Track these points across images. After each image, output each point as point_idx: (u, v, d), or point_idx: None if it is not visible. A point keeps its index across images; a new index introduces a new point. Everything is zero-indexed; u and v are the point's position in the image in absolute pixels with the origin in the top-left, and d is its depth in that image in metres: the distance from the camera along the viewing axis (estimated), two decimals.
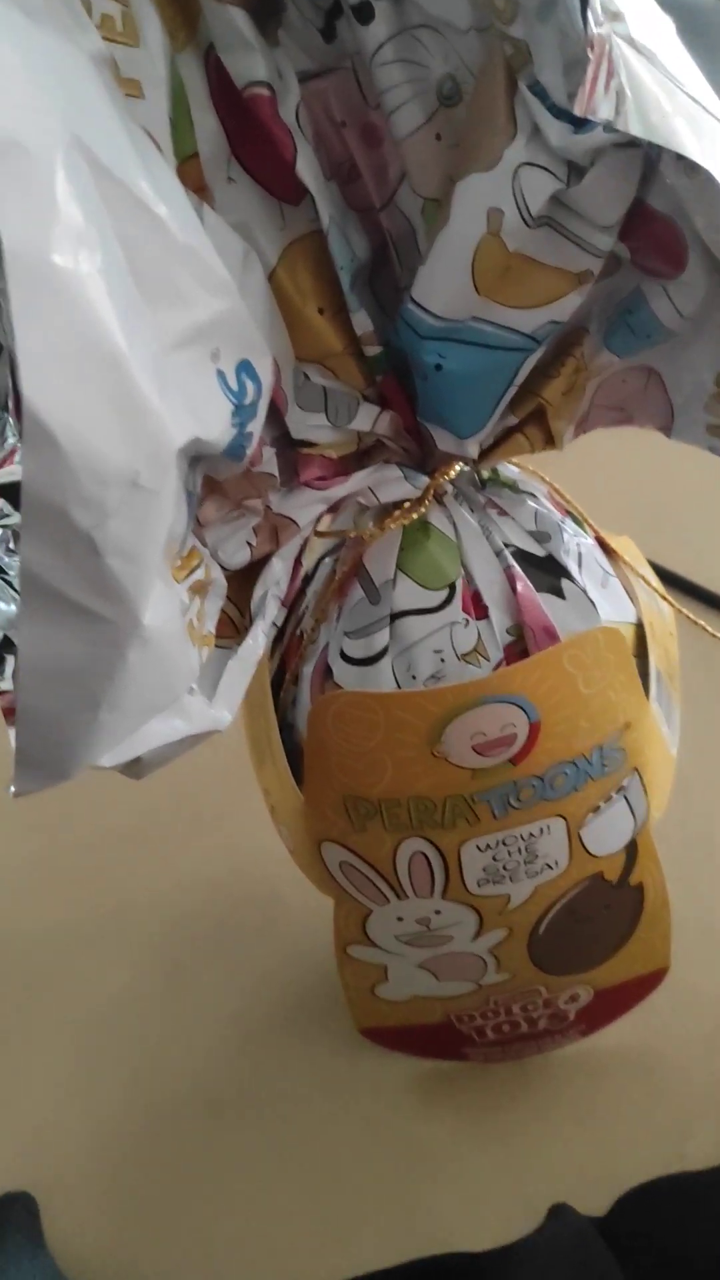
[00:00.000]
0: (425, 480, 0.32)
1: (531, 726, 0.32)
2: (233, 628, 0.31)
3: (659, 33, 0.24)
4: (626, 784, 0.35)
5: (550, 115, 0.24)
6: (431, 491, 0.32)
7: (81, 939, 0.51)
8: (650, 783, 0.35)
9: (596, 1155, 0.42)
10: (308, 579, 0.36)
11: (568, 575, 0.33)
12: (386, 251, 0.29)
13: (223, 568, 0.29)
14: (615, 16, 0.23)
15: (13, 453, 0.27)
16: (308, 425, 0.30)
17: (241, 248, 0.26)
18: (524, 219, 0.25)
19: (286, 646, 0.37)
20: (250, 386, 0.26)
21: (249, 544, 0.30)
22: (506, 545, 0.33)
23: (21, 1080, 0.48)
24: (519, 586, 0.32)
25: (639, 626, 0.35)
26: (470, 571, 0.33)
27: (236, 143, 0.26)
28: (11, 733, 0.23)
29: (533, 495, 0.35)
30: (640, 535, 0.39)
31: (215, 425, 0.24)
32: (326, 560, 0.36)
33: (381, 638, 0.32)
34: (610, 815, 0.35)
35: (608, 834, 0.35)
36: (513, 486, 0.35)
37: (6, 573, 0.27)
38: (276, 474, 0.30)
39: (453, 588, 0.32)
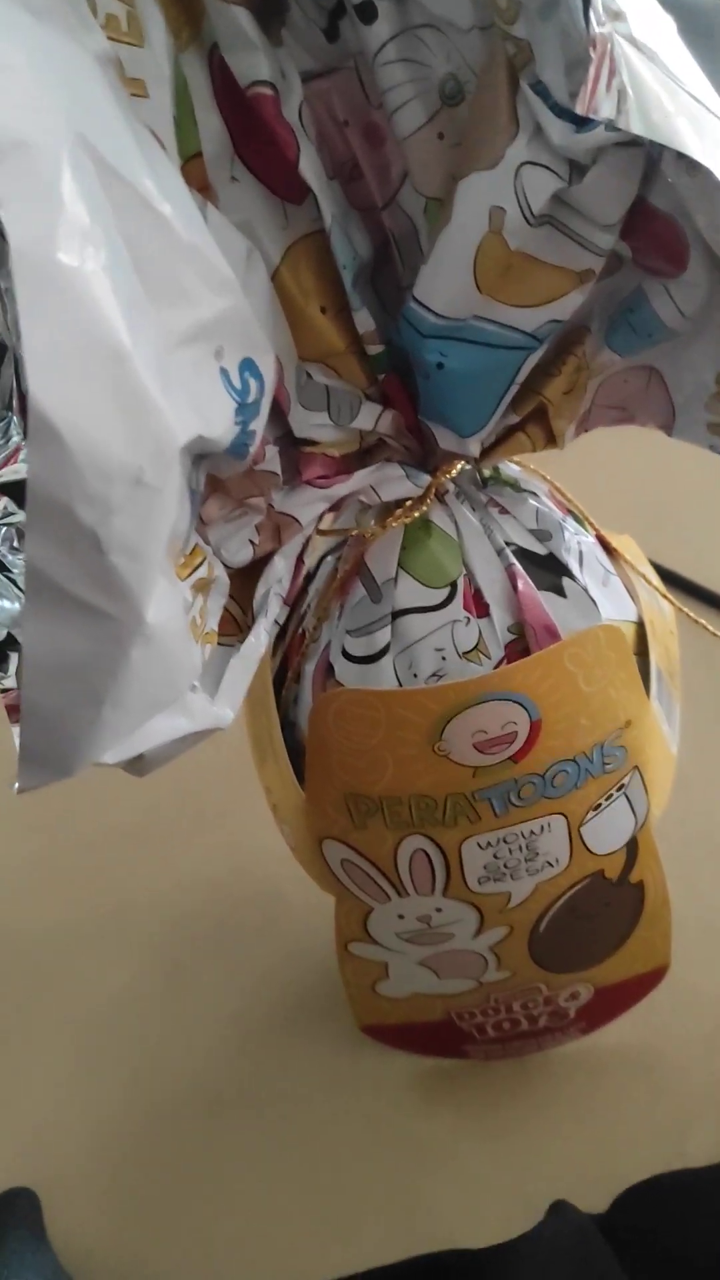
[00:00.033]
0: (427, 479, 0.32)
1: (532, 724, 0.32)
2: (235, 625, 0.31)
3: (660, 32, 0.24)
4: (627, 782, 0.35)
5: (552, 114, 0.24)
6: (433, 490, 0.32)
7: (83, 937, 0.51)
8: (651, 781, 0.35)
9: (597, 1153, 0.43)
10: (310, 577, 0.36)
11: (569, 574, 0.33)
12: (389, 250, 0.29)
13: (225, 566, 0.30)
14: (617, 16, 0.23)
15: (17, 451, 0.27)
16: (310, 424, 0.30)
17: (245, 246, 0.26)
18: (526, 218, 0.26)
19: (289, 644, 0.37)
20: (253, 385, 0.26)
21: (251, 542, 0.30)
22: (508, 543, 0.33)
23: (23, 1077, 0.48)
24: (520, 585, 0.32)
25: (640, 625, 0.35)
26: (471, 570, 0.33)
27: (240, 142, 0.26)
28: (15, 729, 0.23)
29: (534, 494, 0.35)
30: (641, 534, 0.39)
31: (219, 423, 0.24)
32: (328, 558, 0.36)
33: (383, 636, 0.32)
34: (611, 813, 0.35)
35: (608, 832, 0.35)
36: (514, 485, 0.35)
37: (10, 570, 0.27)
38: (279, 472, 0.30)
39: (454, 586, 0.32)
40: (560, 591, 0.33)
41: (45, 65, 0.20)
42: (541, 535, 0.34)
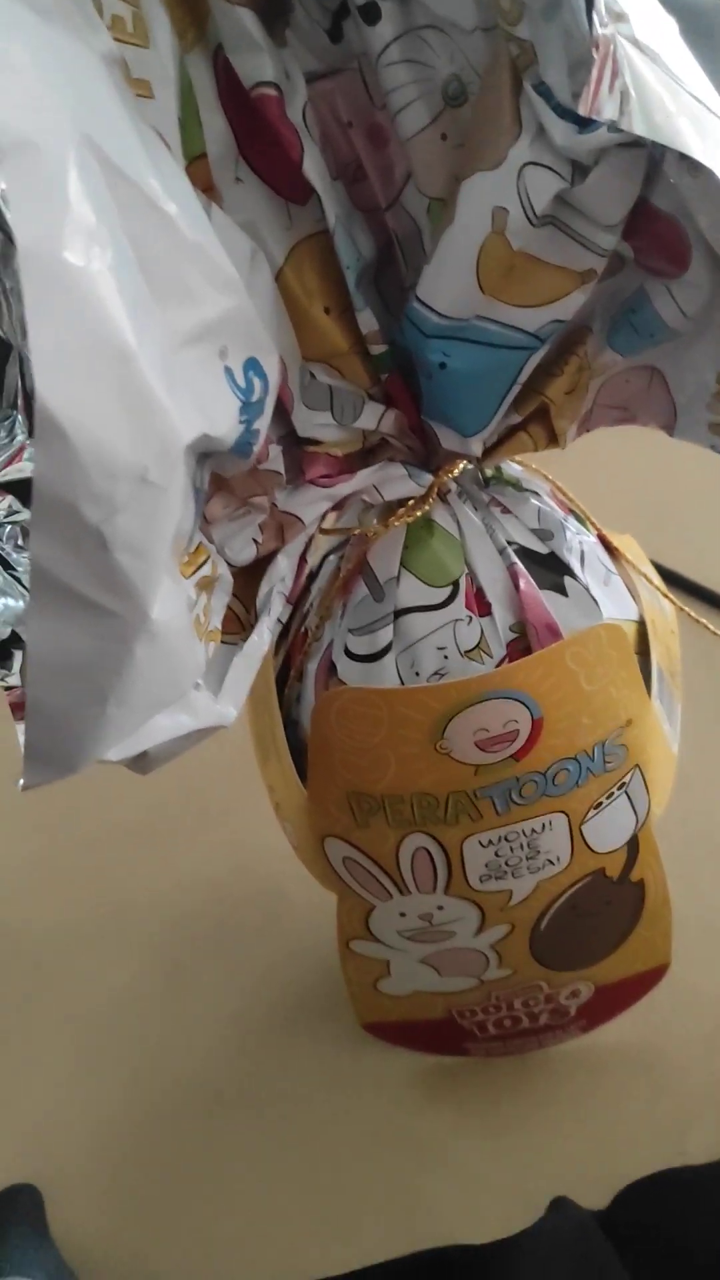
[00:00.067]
0: (429, 478, 0.32)
1: (534, 723, 0.32)
2: (238, 624, 0.31)
3: (662, 33, 0.24)
4: (628, 780, 0.35)
5: (555, 115, 0.24)
6: (435, 489, 0.32)
7: (85, 935, 0.51)
8: (651, 779, 0.36)
9: (597, 1151, 0.43)
10: (312, 576, 0.36)
11: (570, 573, 0.33)
12: (392, 251, 0.29)
13: (229, 564, 0.30)
14: (619, 17, 0.23)
15: (21, 449, 0.27)
16: (313, 423, 0.30)
17: (249, 247, 0.26)
18: (528, 218, 0.26)
19: (291, 643, 0.37)
20: (257, 384, 0.26)
21: (255, 541, 0.30)
22: (510, 543, 0.33)
23: (26, 1074, 0.48)
24: (522, 584, 0.32)
25: (641, 624, 0.35)
26: (473, 569, 0.33)
27: (244, 143, 0.26)
28: (20, 727, 0.23)
29: (536, 493, 0.35)
30: (642, 534, 0.39)
31: (223, 422, 0.25)
32: (331, 557, 0.36)
33: (385, 634, 0.33)
34: (612, 811, 0.35)
35: (609, 830, 0.36)
36: (516, 485, 0.35)
37: (15, 569, 0.27)
38: (282, 471, 0.30)
39: (456, 585, 0.33)
40: (562, 590, 0.33)
41: (51, 65, 0.20)
42: (543, 534, 0.34)
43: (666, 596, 0.38)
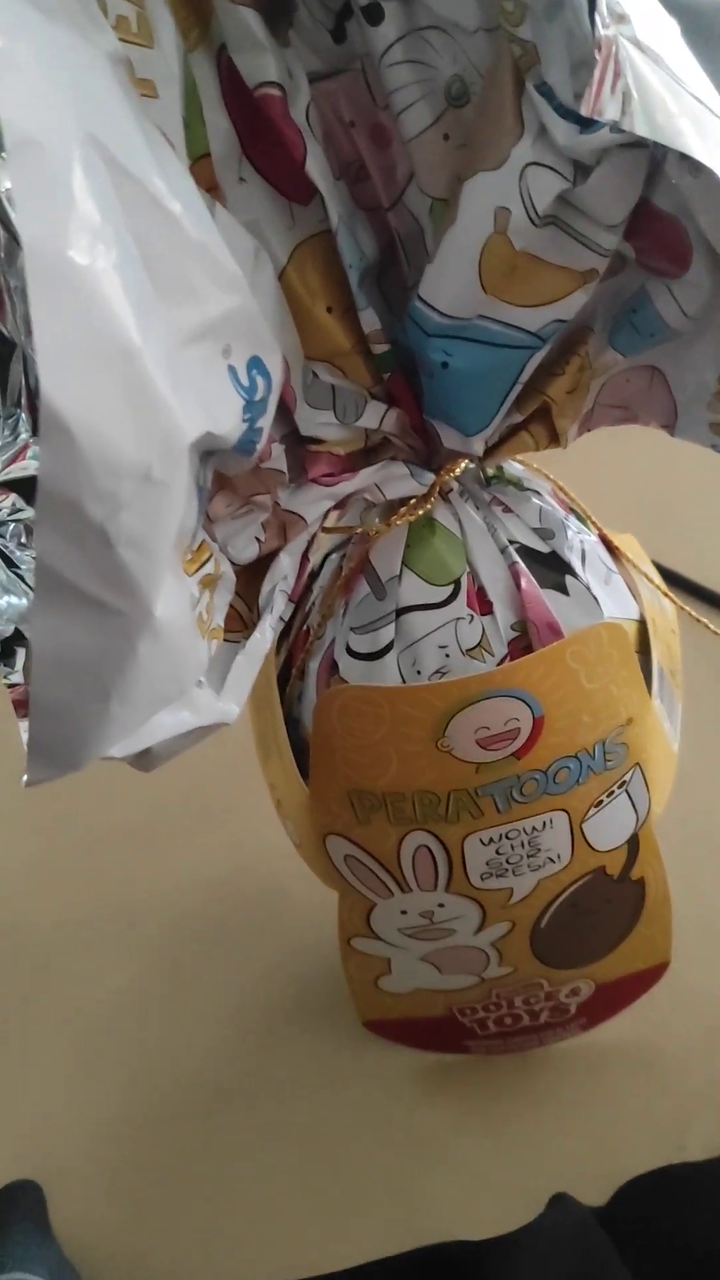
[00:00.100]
0: (431, 477, 0.32)
1: (535, 721, 0.32)
2: (241, 622, 0.31)
3: (664, 34, 0.24)
4: (628, 779, 0.35)
5: (557, 115, 0.24)
6: (437, 488, 0.33)
7: (86, 935, 0.51)
8: (652, 778, 0.36)
9: (596, 1149, 0.43)
10: (314, 575, 0.37)
11: (571, 572, 0.34)
12: (394, 250, 0.29)
13: (232, 562, 0.30)
14: (621, 18, 0.23)
15: (25, 447, 0.27)
16: (316, 422, 0.30)
17: (252, 246, 0.26)
18: (531, 218, 0.26)
19: (293, 642, 0.37)
20: (261, 382, 0.26)
21: (257, 539, 0.31)
22: (511, 542, 0.33)
23: (28, 1071, 0.48)
24: (523, 583, 0.32)
25: (642, 623, 0.36)
26: (475, 568, 0.33)
27: (247, 142, 0.26)
28: (23, 724, 0.24)
29: (537, 492, 0.35)
30: (643, 534, 0.39)
31: (226, 420, 0.25)
32: (333, 556, 0.36)
33: (387, 633, 0.33)
34: (612, 810, 0.35)
35: (610, 828, 0.36)
36: (517, 484, 0.35)
37: (19, 566, 0.27)
38: (285, 470, 0.30)
39: (458, 584, 0.33)
40: (563, 589, 0.33)
41: (56, 64, 0.20)
42: (544, 534, 0.34)
43: (667, 595, 0.38)
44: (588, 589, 0.33)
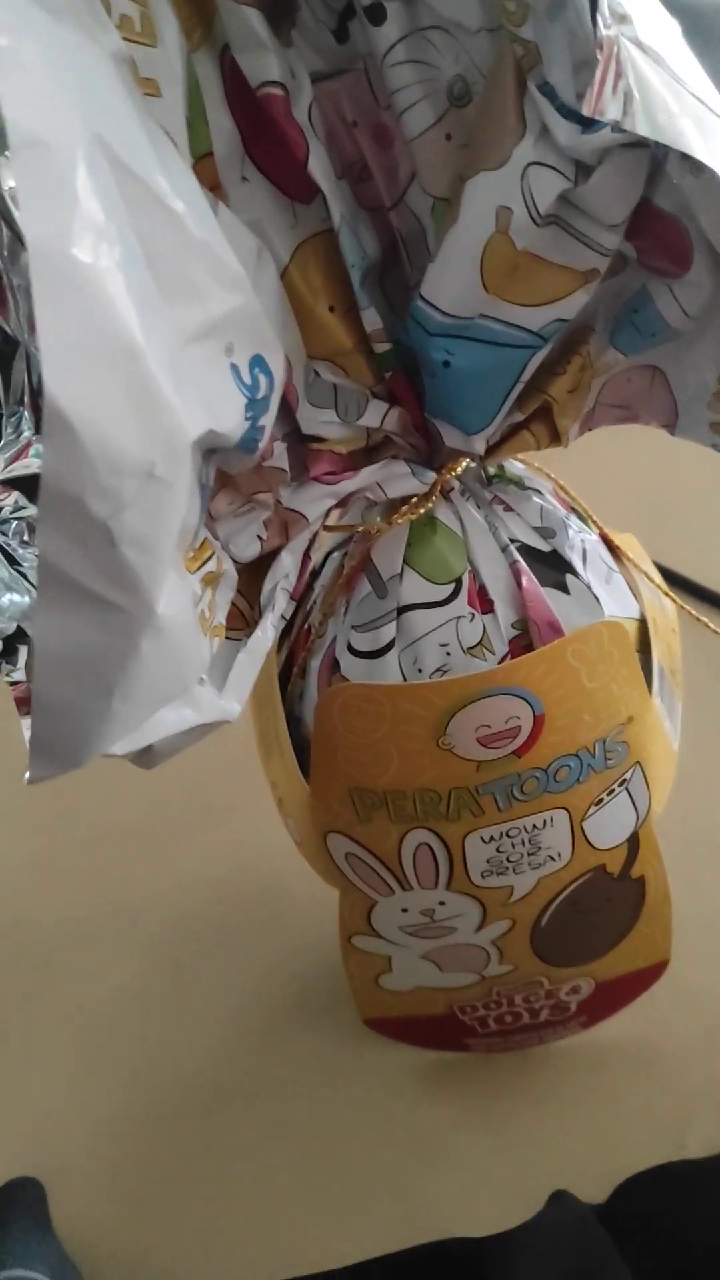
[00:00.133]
0: (432, 476, 0.32)
1: (536, 719, 0.32)
2: (242, 620, 0.31)
3: (666, 35, 0.25)
4: (629, 777, 0.35)
5: (559, 115, 0.24)
6: (438, 487, 0.33)
7: (87, 934, 0.51)
8: (652, 777, 0.36)
9: (596, 1147, 0.43)
10: (316, 573, 0.37)
11: (572, 571, 0.34)
12: (396, 250, 0.29)
13: (234, 560, 0.30)
14: (623, 19, 0.23)
15: (28, 445, 0.27)
16: (318, 421, 0.30)
17: (255, 245, 0.27)
18: (532, 218, 0.26)
19: (294, 640, 0.37)
20: (263, 381, 0.26)
21: (259, 537, 0.31)
22: (512, 540, 0.33)
23: (29, 1069, 0.48)
24: (524, 581, 0.32)
25: (642, 622, 0.36)
26: (476, 566, 0.33)
27: (250, 142, 0.26)
28: (25, 721, 0.24)
29: (538, 491, 0.35)
30: (644, 533, 0.39)
31: (229, 418, 0.25)
32: (335, 555, 0.36)
33: (388, 631, 0.33)
34: (612, 808, 0.35)
35: (610, 826, 0.36)
36: (518, 483, 0.35)
37: (21, 564, 0.27)
38: (287, 469, 0.30)
39: (459, 582, 0.33)
40: (564, 588, 0.33)
41: (61, 64, 0.20)
42: (545, 532, 0.34)
43: (668, 595, 0.38)
44: (588, 588, 0.34)
